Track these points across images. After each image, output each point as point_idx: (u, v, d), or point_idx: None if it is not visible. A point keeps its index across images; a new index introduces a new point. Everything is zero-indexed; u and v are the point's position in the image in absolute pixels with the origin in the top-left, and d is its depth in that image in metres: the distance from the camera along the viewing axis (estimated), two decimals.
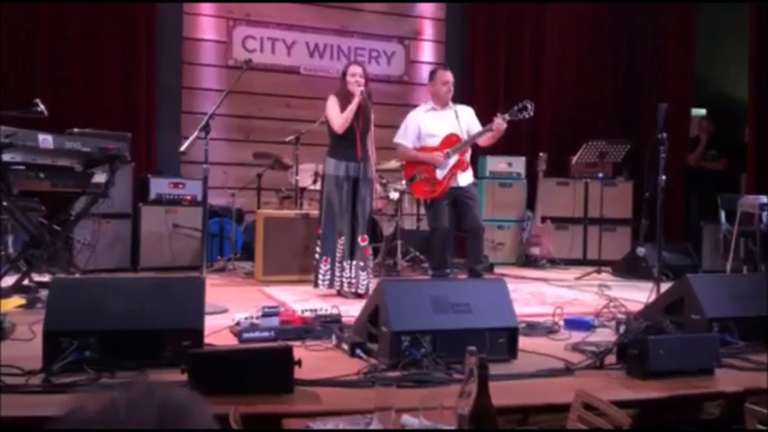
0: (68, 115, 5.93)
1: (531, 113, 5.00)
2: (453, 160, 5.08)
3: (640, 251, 5.41)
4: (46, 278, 4.28)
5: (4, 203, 4.25)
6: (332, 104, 4.80)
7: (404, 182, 5.60)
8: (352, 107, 4.69)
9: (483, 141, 5.18)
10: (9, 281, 4.26)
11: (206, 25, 7.18)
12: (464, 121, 5.18)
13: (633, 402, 2.40)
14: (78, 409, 0.81)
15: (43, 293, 3.89)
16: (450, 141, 5.10)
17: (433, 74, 5.35)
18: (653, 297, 3.84)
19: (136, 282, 3.50)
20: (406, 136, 5.22)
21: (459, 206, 5.13)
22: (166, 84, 6.89)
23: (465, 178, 5.17)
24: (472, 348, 1.73)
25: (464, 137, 5.10)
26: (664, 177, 4.27)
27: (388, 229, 6.73)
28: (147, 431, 0.80)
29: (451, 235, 5.32)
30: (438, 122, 5.17)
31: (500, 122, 4.93)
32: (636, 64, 8.36)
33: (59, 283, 2.87)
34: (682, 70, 8.01)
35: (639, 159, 6.43)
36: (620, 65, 8.40)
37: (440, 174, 5.08)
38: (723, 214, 6.37)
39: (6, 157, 3.93)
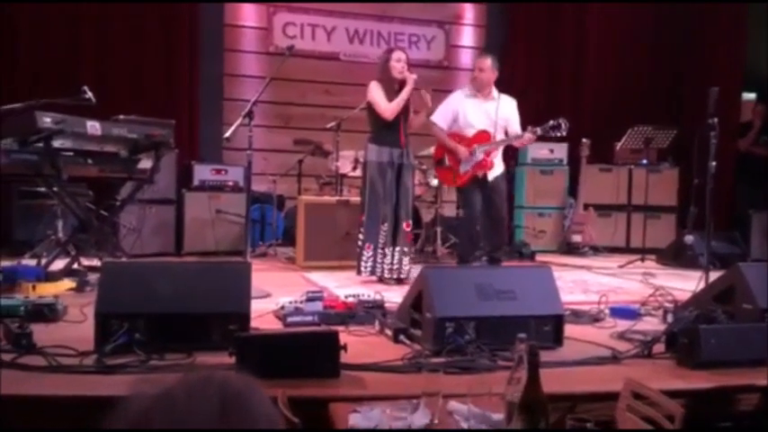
0: (113, 103, 6.02)
1: (564, 133, 4.92)
2: (478, 158, 5.04)
3: (688, 239, 5.31)
4: (94, 262, 4.38)
5: (55, 188, 4.36)
6: (377, 90, 4.74)
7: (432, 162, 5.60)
8: (404, 95, 4.66)
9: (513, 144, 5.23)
10: (59, 264, 4.37)
11: (247, 12, 7.22)
12: (502, 115, 5.11)
13: (684, 392, 2.36)
14: (136, 399, 0.80)
15: (92, 277, 3.98)
16: (481, 138, 5.06)
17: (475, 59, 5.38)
18: (701, 286, 3.76)
19: (184, 266, 3.56)
20: (442, 117, 5.14)
21: (485, 197, 5.12)
22: (209, 71, 6.96)
23: (491, 173, 5.13)
24: (522, 335, 1.71)
25: (497, 134, 5.06)
26: (714, 164, 4.16)
27: (427, 215, 6.71)
28: (211, 420, 0.79)
29: (480, 222, 5.29)
30: (477, 112, 5.11)
31: (530, 137, 4.96)
32: (682, 46, 8.11)
33: (111, 267, 2.93)
34: (732, 52, 7.76)
35: (686, 145, 6.27)
36: (666, 48, 8.14)
37: (462, 168, 5.07)
38: None
39: (56, 144, 4.03)
